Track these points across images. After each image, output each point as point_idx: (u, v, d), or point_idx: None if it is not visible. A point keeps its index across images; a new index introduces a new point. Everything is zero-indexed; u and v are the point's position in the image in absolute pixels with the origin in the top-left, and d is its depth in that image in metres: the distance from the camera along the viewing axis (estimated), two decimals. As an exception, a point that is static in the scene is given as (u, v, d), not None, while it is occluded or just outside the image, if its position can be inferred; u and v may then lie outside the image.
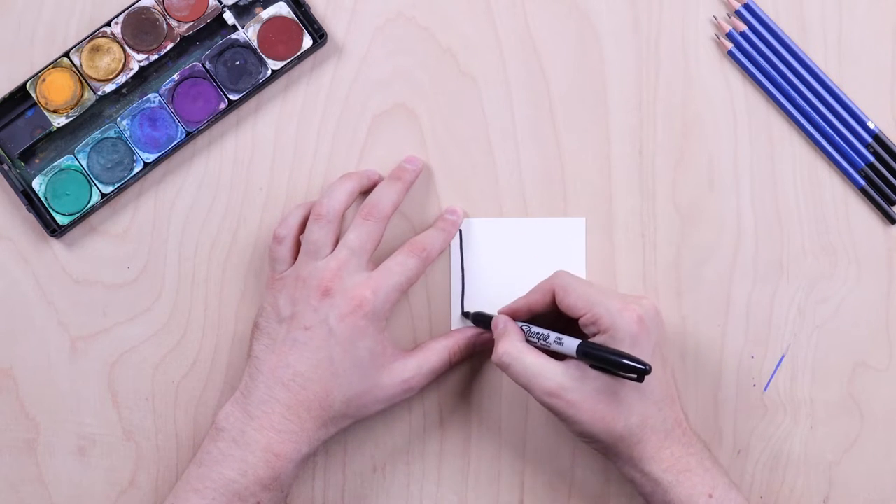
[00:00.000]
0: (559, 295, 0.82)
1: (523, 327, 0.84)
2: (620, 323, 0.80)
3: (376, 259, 0.87)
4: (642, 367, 0.77)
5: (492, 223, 0.90)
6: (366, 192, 0.89)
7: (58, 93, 0.89)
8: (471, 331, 0.89)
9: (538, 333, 0.83)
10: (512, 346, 0.82)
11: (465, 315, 0.89)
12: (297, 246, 0.87)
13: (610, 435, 0.80)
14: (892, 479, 0.90)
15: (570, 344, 0.80)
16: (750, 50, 0.90)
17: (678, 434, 0.82)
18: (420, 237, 0.88)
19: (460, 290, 0.90)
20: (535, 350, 0.82)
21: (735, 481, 0.86)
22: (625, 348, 0.79)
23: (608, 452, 0.82)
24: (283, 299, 0.85)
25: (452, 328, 0.90)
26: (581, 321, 0.81)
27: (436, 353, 0.87)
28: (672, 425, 0.81)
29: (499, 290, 0.90)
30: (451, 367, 0.88)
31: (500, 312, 0.86)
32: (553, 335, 0.81)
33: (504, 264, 0.90)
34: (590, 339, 0.81)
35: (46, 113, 0.89)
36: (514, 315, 0.85)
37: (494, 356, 0.83)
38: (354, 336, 0.83)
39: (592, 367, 0.79)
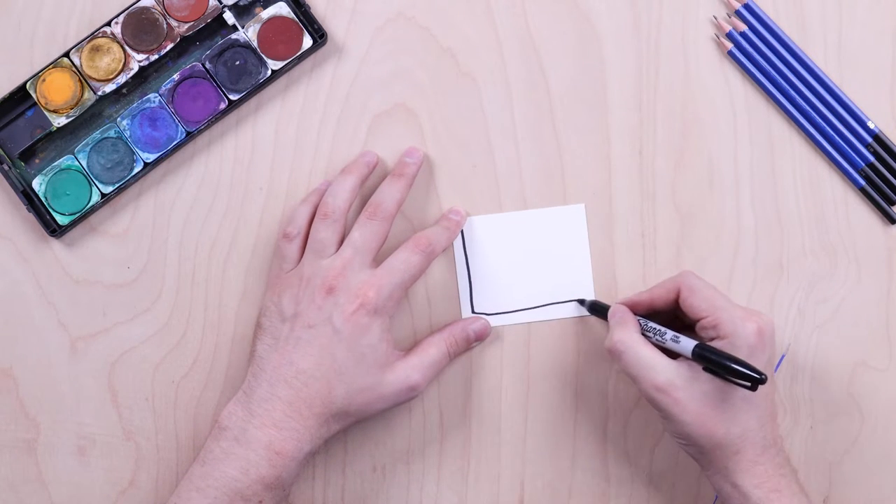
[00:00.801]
0: (684, 294, 0.82)
1: (640, 321, 0.84)
2: (741, 331, 0.79)
3: (379, 256, 0.87)
4: (759, 376, 0.76)
5: (493, 219, 0.90)
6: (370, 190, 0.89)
7: (58, 93, 0.89)
8: (467, 322, 0.89)
9: (655, 329, 0.82)
10: (628, 335, 0.82)
11: (581, 302, 0.89)
12: (305, 244, 0.88)
13: (709, 440, 0.80)
14: (892, 479, 0.90)
15: (687, 344, 0.80)
16: (750, 50, 0.90)
17: (773, 452, 0.81)
18: (424, 233, 0.88)
19: (468, 289, 0.90)
20: (650, 344, 0.81)
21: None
22: (742, 357, 0.78)
23: (702, 458, 0.82)
24: (286, 298, 0.85)
25: None
26: (701, 323, 0.81)
27: (434, 346, 0.87)
28: (770, 442, 0.81)
29: (506, 286, 0.90)
30: (450, 359, 0.88)
31: (619, 303, 0.85)
32: (670, 332, 0.81)
33: (509, 259, 0.90)
34: (707, 343, 0.80)
35: (46, 113, 0.89)
36: (633, 308, 0.85)
37: (608, 342, 0.82)
38: (358, 334, 0.83)
39: (705, 369, 0.79)
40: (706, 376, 0.79)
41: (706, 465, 0.82)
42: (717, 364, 0.78)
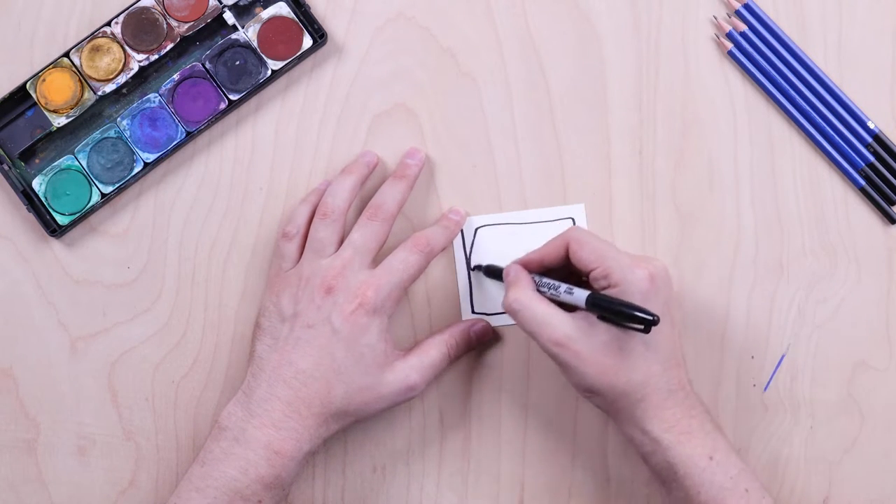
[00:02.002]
0: (573, 248, 0.82)
1: (535, 278, 0.83)
2: (631, 278, 0.79)
3: (379, 256, 0.87)
4: (650, 317, 0.76)
5: (493, 219, 0.90)
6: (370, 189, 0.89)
7: (58, 93, 0.89)
8: (468, 323, 0.89)
9: (549, 283, 0.82)
10: (523, 293, 0.82)
11: (477, 268, 0.89)
12: (305, 243, 0.88)
13: (612, 389, 0.80)
14: (892, 479, 0.90)
15: (580, 294, 0.80)
16: (750, 50, 0.90)
17: (681, 396, 0.81)
18: (423, 233, 0.88)
19: (468, 289, 0.90)
20: (546, 300, 0.81)
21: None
22: (634, 303, 0.79)
23: (609, 409, 0.82)
24: (285, 297, 0.85)
25: None
26: (592, 275, 0.81)
27: (434, 348, 0.87)
28: (675, 386, 0.81)
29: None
30: (450, 361, 0.88)
31: (511, 263, 0.85)
32: (563, 285, 0.81)
33: (509, 259, 0.90)
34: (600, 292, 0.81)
35: (46, 113, 0.89)
36: (526, 267, 0.85)
37: (504, 302, 0.82)
38: (357, 334, 0.83)
39: (600, 317, 0.79)
40: (603, 326, 0.79)
41: (614, 415, 0.82)
42: (610, 310, 0.78)
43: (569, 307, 0.81)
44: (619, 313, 0.78)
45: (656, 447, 0.80)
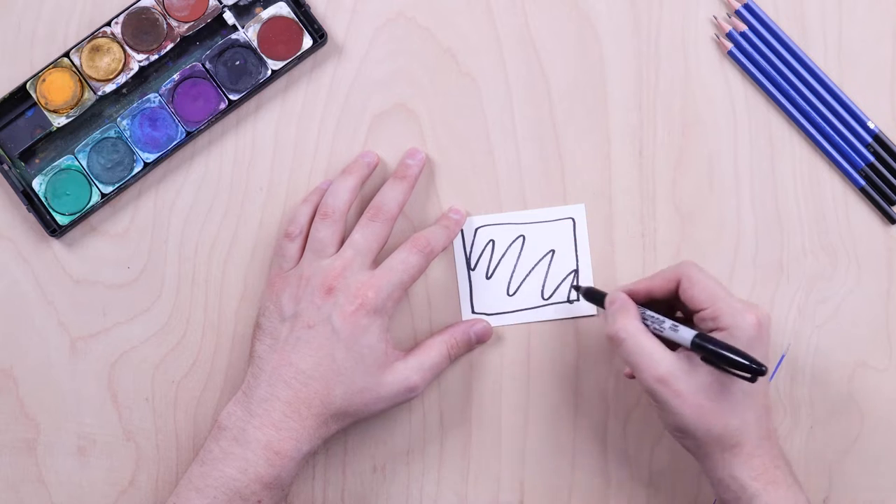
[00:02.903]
0: (684, 284, 0.81)
1: (639, 309, 0.82)
2: (741, 323, 0.79)
3: (379, 257, 0.87)
4: (758, 366, 0.76)
5: (493, 219, 0.90)
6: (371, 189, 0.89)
7: (58, 93, 0.89)
8: (468, 324, 0.89)
9: (653, 317, 0.81)
10: (630, 322, 0.81)
11: (577, 288, 0.89)
12: (306, 243, 0.88)
13: (708, 433, 0.79)
14: (892, 479, 0.90)
15: (686, 334, 0.79)
16: (750, 50, 0.90)
17: (769, 445, 0.81)
18: (423, 233, 0.88)
19: (468, 289, 0.90)
20: (650, 334, 0.80)
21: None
22: (741, 348, 0.78)
23: (699, 451, 0.81)
24: (286, 297, 0.85)
25: None
26: (700, 314, 0.80)
27: (435, 349, 0.87)
28: (765, 435, 0.81)
29: (506, 286, 0.90)
30: (450, 361, 0.88)
31: (617, 290, 0.84)
32: (669, 322, 0.80)
33: (509, 259, 0.90)
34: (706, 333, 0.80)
35: (46, 113, 0.89)
36: (632, 296, 0.83)
37: (610, 329, 0.81)
38: (357, 334, 0.83)
39: (704, 359, 0.78)
40: (705, 368, 0.78)
41: (703, 458, 0.81)
42: (717, 354, 0.77)
43: (670, 344, 0.80)
44: (726, 359, 0.77)
45: (742, 494, 0.80)
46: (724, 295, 0.80)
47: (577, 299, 0.90)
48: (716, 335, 0.79)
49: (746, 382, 0.78)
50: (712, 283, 0.81)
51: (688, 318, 0.82)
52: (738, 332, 0.79)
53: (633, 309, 0.82)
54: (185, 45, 0.91)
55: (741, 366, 0.76)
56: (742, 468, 0.80)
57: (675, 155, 0.91)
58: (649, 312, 0.82)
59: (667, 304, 0.84)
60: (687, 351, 0.79)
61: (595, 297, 0.86)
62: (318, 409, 0.83)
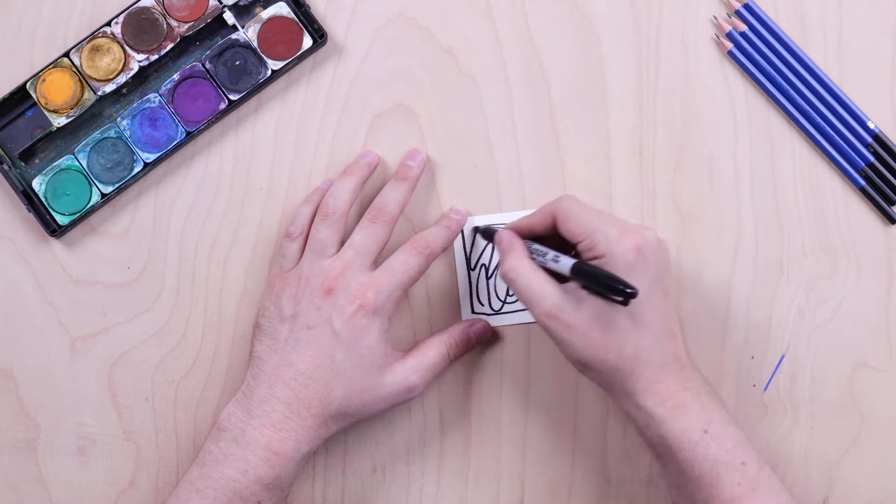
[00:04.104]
0: (560, 219, 0.81)
1: (527, 244, 0.82)
2: (617, 249, 0.78)
3: (380, 258, 0.87)
4: (629, 289, 0.75)
5: (493, 219, 0.90)
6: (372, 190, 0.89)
7: (58, 93, 0.89)
8: (467, 324, 0.89)
9: (537, 250, 0.81)
10: (519, 261, 0.80)
11: (475, 229, 0.89)
12: (306, 244, 0.88)
13: (603, 363, 0.79)
14: (892, 479, 0.90)
15: (566, 263, 0.79)
16: (750, 50, 0.90)
17: (675, 368, 0.80)
18: (423, 234, 0.88)
19: (468, 289, 0.90)
20: (540, 269, 0.80)
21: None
22: (619, 275, 0.77)
23: (603, 383, 0.81)
24: (285, 298, 0.85)
25: None
26: (579, 246, 0.80)
27: (434, 349, 0.87)
28: (669, 359, 0.80)
29: (506, 286, 0.90)
30: (450, 361, 0.88)
31: (504, 228, 0.84)
32: (551, 252, 0.80)
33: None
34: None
35: (46, 113, 0.89)
36: (518, 233, 0.83)
37: (501, 270, 0.81)
38: (357, 335, 0.83)
39: (583, 287, 0.78)
40: (592, 299, 0.78)
41: (608, 389, 0.81)
42: (591, 280, 0.77)
43: (562, 277, 0.80)
44: (599, 283, 0.77)
45: (650, 421, 0.79)
46: (599, 224, 0.79)
47: (474, 239, 0.90)
48: (596, 264, 0.78)
49: (633, 308, 0.77)
50: (587, 214, 0.80)
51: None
52: (614, 260, 0.78)
53: (519, 246, 0.82)
54: (185, 45, 0.91)
55: (614, 289, 0.76)
56: (645, 395, 0.79)
57: (675, 155, 0.91)
58: (535, 246, 0.82)
59: (561, 239, 0.82)
60: (575, 284, 0.79)
61: (488, 234, 0.87)
62: (317, 410, 0.83)
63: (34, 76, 0.89)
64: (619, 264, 0.78)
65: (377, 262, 0.86)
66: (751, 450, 0.80)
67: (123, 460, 0.90)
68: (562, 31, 0.91)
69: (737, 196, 0.90)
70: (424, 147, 0.91)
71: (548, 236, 0.83)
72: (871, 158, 0.90)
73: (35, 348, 0.90)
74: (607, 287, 0.76)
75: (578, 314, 0.78)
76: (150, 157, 0.89)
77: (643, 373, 0.79)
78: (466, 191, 0.91)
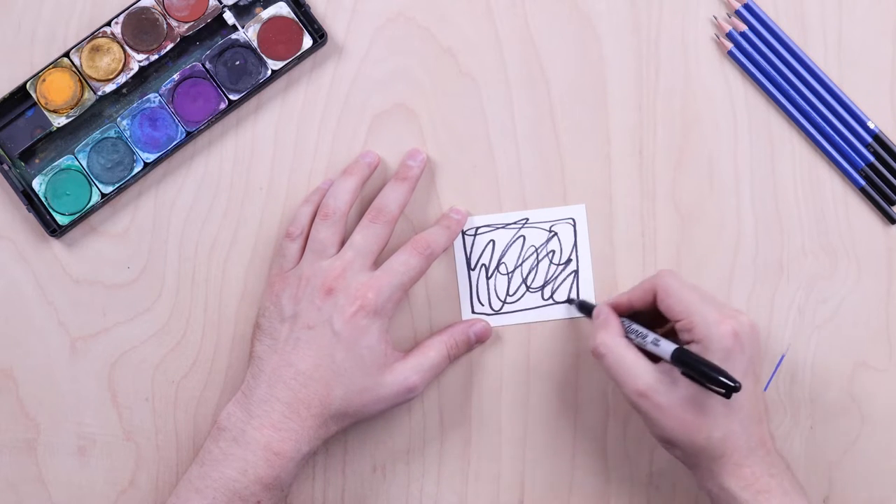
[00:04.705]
0: (660, 296, 0.81)
1: (624, 322, 0.83)
2: (715, 334, 0.78)
3: (380, 259, 0.87)
4: (732, 384, 0.76)
5: (493, 219, 0.90)
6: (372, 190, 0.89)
7: (58, 93, 0.89)
8: (467, 324, 0.89)
9: (637, 331, 0.82)
10: (611, 338, 0.81)
11: (570, 301, 0.89)
12: (306, 244, 0.88)
13: (692, 445, 0.80)
14: (892, 479, 0.90)
15: (667, 347, 0.79)
16: (750, 50, 0.90)
17: (761, 454, 0.80)
18: (423, 234, 0.88)
19: (468, 290, 0.90)
20: (633, 347, 0.81)
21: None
22: (717, 361, 0.78)
23: (688, 462, 0.82)
24: (285, 298, 0.85)
25: None
26: (677, 326, 0.80)
27: (434, 349, 0.87)
28: (756, 444, 0.80)
29: (505, 287, 0.90)
30: (450, 361, 0.88)
31: (603, 304, 0.85)
32: (651, 335, 0.81)
33: (509, 259, 0.90)
34: (685, 347, 0.80)
35: (46, 113, 0.89)
36: (616, 308, 0.84)
37: (592, 344, 0.82)
38: (357, 335, 0.83)
39: (683, 374, 0.78)
40: (686, 381, 0.78)
41: (693, 468, 0.82)
42: (694, 369, 0.77)
43: (655, 357, 0.80)
44: (702, 374, 0.77)
45: (732, 503, 0.80)
46: (698, 306, 0.80)
47: (572, 305, 0.90)
48: (693, 347, 0.79)
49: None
50: (687, 293, 0.81)
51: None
52: (713, 345, 0.78)
53: (614, 323, 0.83)
54: (185, 45, 0.91)
55: (716, 381, 0.76)
56: (730, 478, 0.80)
57: (675, 155, 0.91)
58: (635, 326, 0.82)
59: (655, 314, 0.83)
60: (668, 364, 0.79)
61: (586, 309, 0.87)
62: (317, 410, 0.83)
63: (34, 76, 0.89)
64: (716, 350, 0.78)
65: (377, 263, 0.86)
66: None
67: (123, 460, 0.90)
68: (562, 31, 0.91)
69: (737, 196, 0.90)
70: (424, 147, 0.91)
71: (646, 313, 0.83)
72: (871, 158, 0.90)
73: (35, 348, 0.90)
74: (709, 379, 0.77)
75: (672, 395, 0.79)
76: (150, 157, 0.89)
77: (731, 456, 0.80)
78: (466, 191, 0.91)
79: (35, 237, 0.90)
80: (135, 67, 0.89)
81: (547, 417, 0.90)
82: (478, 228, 0.90)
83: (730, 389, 0.76)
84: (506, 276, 0.90)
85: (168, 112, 0.89)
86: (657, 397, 0.79)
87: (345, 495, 0.90)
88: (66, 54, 0.89)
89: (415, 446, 0.90)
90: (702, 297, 0.81)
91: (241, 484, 0.82)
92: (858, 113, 0.90)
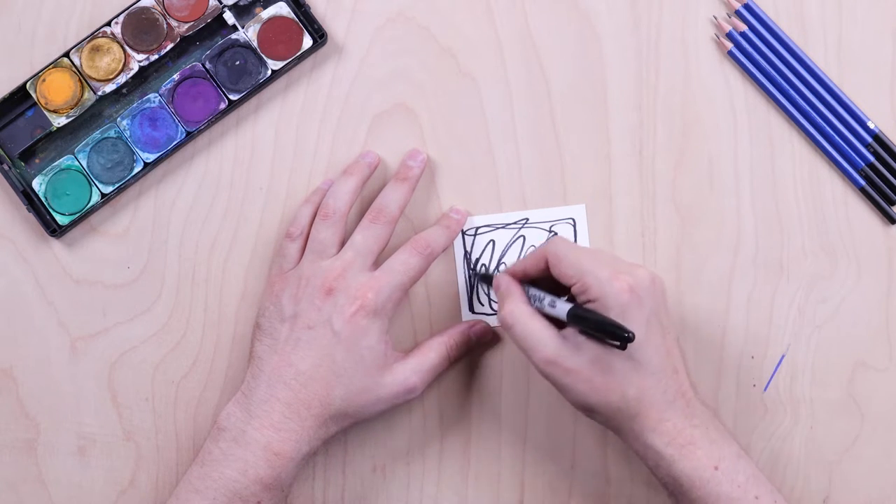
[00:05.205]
0: (552, 262, 0.80)
1: (525, 288, 0.82)
2: (609, 291, 0.78)
3: (380, 258, 0.87)
4: (625, 334, 0.75)
5: (493, 219, 0.90)
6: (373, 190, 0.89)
7: (58, 93, 0.89)
8: (467, 325, 0.89)
9: (535, 295, 0.81)
10: (516, 306, 0.80)
11: (474, 273, 0.89)
12: (307, 244, 0.88)
13: (607, 406, 0.79)
14: (892, 479, 0.90)
15: (563, 308, 0.78)
16: (750, 50, 0.90)
17: (681, 405, 0.79)
18: (423, 234, 0.88)
19: (467, 290, 0.90)
20: (538, 315, 0.80)
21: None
22: (615, 317, 0.77)
23: (609, 425, 0.81)
24: (285, 298, 0.85)
25: None
26: (573, 290, 0.79)
27: (434, 350, 0.87)
28: (673, 396, 0.79)
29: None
30: (450, 363, 0.88)
31: (502, 273, 0.84)
32: (548, 298, 0.80)
33: (509, 259, 0.90)
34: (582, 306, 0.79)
35: (46, 113, 0.89)
36: (514, 277, 0.83)
37: (499, 316, 0.81)
38: (357, 336, 0.83)
39: (581, 332, 0.78)
40: (591, 343, 0.78)
41: (617, 431, 0.81)
42: (587, 325, 0.77)
43: (560, 322, 0.80)
44: (596, 329, 0.76)
45: (659, 461, 0.79)
46: (590, 266, 0.78)
47: (477, 285, 0.90)
48: (591, 307, 0.78)
49: (634, 350, 0.77)
50: (577, 256, 0.79)
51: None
52: (608, 301, 0.77)
53: (517, 291, 0.81)
54: (185, 45, 0.91)
55: (611, 334, 0.75)
56: (653, 435, 0.79)
57: (675, 155, 0.91)
58: (533, 290, 0.81)
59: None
60: (572, 329, 0.79)
61: (487, 280, 0.87)
62: (317, 411, 0.83)
63: (34, 76, 0.89)
64: (612, 306, 0.77)
65: (378, 263, 0.86)
66: (763, 482, 0.80)
67: (123, 460, 0.90)
68: (562, 31, 0.91)
69: (737, 196, 0.90)
70: (424, 147, 0.91)
71: (547, 278, 0.82)
72: (871, 158, 0.90)
73: (35, 348, 0.90)
74: (604, 332, 0.76)
75: (578, 359, 0.78)
76: (150, 157, 0.89)
77: (649, 413, 0.79)
78: (466, 191, 0.91)
79: (35, 237, 0.90)
80: (135, 67, 0.89)
81: (547, 417, 0.90)
82: (478, 228, 0.90)
83: (623, 340, 0.75)
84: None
85: (168, 112, 0.89)
86: (565, 363, 0.78)
87: (345, 495, 0.90)
88: (66, 54, 0.89)
89: (415, 446, 0.90)
90: (595, 258, 0.80)
91: (241, 484, 0.82)
92: (858, 113, 0.90)
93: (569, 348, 0.78)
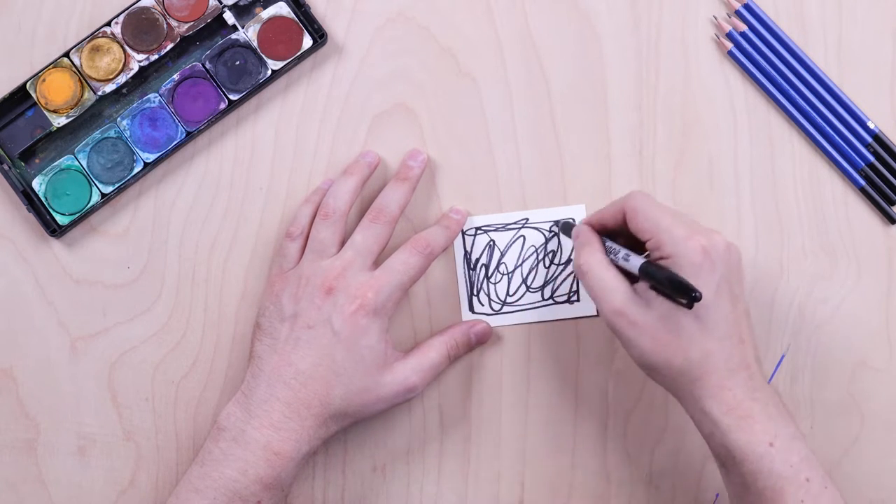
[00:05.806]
0: (629, 216, 0.80)
1: (603, 240, 0.82)
2: (683, 250, 0.77)
3: (380, 258, 0.87)
4: (693, 293, 0.74)
5: (493, 219, 0.90)
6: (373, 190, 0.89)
7: (58, 93, 0.89)
8: (467, 324, 0.89)
9: (610, 247, 0.81)
10: (592, 256, 0.80)
11: (556, 223, 0.89)
12: (307, 244, 0.88)
13: (669, 367, 0.78)
14: (892, 479, 0.90)
15: (635, 261, 0.78)
16: (750, 50, 0.90)
17: (743, 376, 0.78)
18: (423, 234, 0.88)
19: (467, 290, 0.90)
20: (613, 267, 0.80)
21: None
22: (686, 277, 0.76)
23: (670, 387, 0.80)
24: (285, 297, 0.85)
25: None
26: (648, 245, 0.79)
27: (434, 350, 0.87)
28: (737, 366, 0.78)
29: (505, 287, 0.90)
30: (450, 362, 0.88)
31: (581, 223, 0.84)
32: (623, 251, 0.80)
33: (509, 259, 0.90)
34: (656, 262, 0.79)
35: (46, 113, 0.89)
36: (596, 227, 0.83)
37: (575, 263, 0.81)
38: (357, 335, 0.83)
39: (651, 287, 0.77)
40: (660, 300, 0.77)
41: (676, 394, 0.80)
42: (657, 280, 0.76)
43: (635, 276, 0.79)
44: (664, 284, 0.76)
45: (714, 429, 0.78)
46: (667, 223, 0.78)
47: (557, 234, 0.90)
48: (663, 264, 0.78)
49: (700, 312, 0.76)
50: (655, 211, 0.79)
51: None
52: (681, 260, 0.77)
53: (595, 241, 0.81)
54: (185, 45, 0.91)
55: (680, 291, 0.75)
56: (712, 401, 0.78)
57: (675, 155, 0.91)
58: (609, 243, 0.81)
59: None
60: (644, 285, 0.78)
61: (567, 230, 0.87)
62: (317, 410, 0.83)
63: (34, 76, 0.89)
64: (685, 265, 0.77)
65: (378, 263, 0.86)
66: (816, 466, 0.78)
67: (123, 460, 0.90)
68: (562, 31, 0.91)
69: (737, 196, 0.90)
70: (424, 147, 0.91)
71: (625, 234, 0.82)
72: (871, 158, 0.90)
73: (35, 348, 0.90)
74: (672, 288, 0.76)
75: (645, 314, 0.78)
76: (150, 157, 0.89)
77: (710, 378, 0.78)
78: (466, 191, 0.91)
79: (35, 237, 0.90)
80: (135, 67, 0.89)
81: (547, 417, 0.90)
82: (478, 228, 0.90)
83: (691, 299, 0.74)
84: (506, 277, 0.90)
85: (168, 112, 0.89)
86: (632, 315, 0.78)
87: (345, 495, 0.90)
88: (66, 54, 0.89)
89: (415, 446, 0.90)
90: (673, 216, 0.79)
91: (241, 484, 0.82)
92: (858, 113, 0.90)
93: (638, 302, 0.78)
